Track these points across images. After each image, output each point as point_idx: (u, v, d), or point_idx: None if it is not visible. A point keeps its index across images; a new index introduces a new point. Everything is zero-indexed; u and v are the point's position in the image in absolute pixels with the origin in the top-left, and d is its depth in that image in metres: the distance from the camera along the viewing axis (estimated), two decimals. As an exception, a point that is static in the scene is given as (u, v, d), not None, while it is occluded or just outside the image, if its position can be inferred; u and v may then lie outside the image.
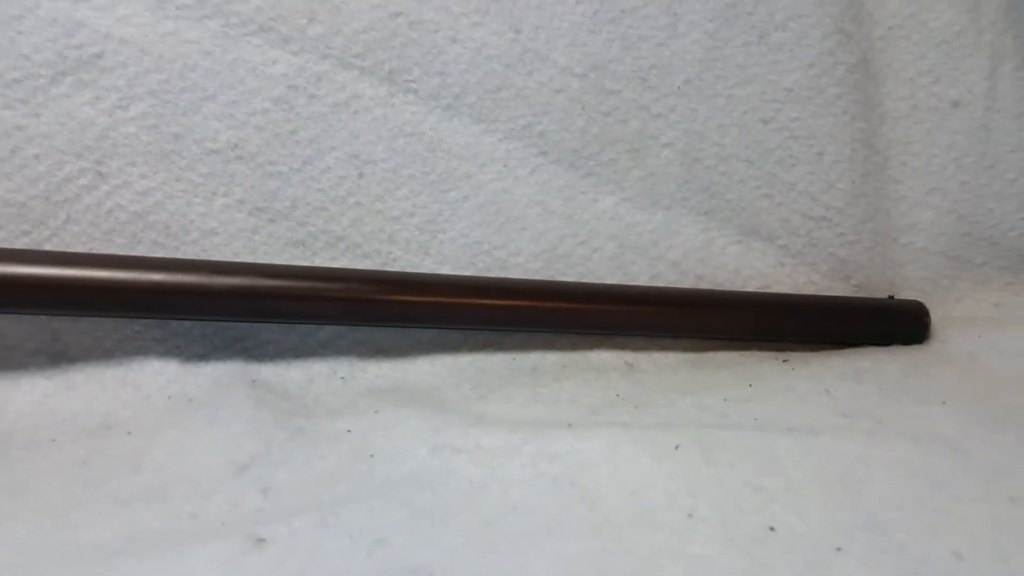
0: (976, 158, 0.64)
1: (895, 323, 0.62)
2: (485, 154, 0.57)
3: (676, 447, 0.41)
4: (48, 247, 0.50)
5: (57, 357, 0.49)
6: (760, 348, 0.60)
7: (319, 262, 0.54)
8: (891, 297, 0.64)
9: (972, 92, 0.64)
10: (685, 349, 0.59)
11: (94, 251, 0.50)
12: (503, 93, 0.56)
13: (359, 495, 0.40)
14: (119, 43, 0.49)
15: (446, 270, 0.56)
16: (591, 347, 0.58)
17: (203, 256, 0.52)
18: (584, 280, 0.59)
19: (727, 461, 0.40)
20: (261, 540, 0.36)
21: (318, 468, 0.44)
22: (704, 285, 0.61)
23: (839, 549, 0.32)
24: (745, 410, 0.47)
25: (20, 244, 0.49)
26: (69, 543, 0.37)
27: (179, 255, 0.52)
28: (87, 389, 0.50)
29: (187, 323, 0.52)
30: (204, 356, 0.51)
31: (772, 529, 0.34)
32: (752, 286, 0.62)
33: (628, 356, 0.58)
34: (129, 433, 0.48)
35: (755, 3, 0.60)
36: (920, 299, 0.63)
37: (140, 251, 0.51)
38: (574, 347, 0.58)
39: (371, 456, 0.45)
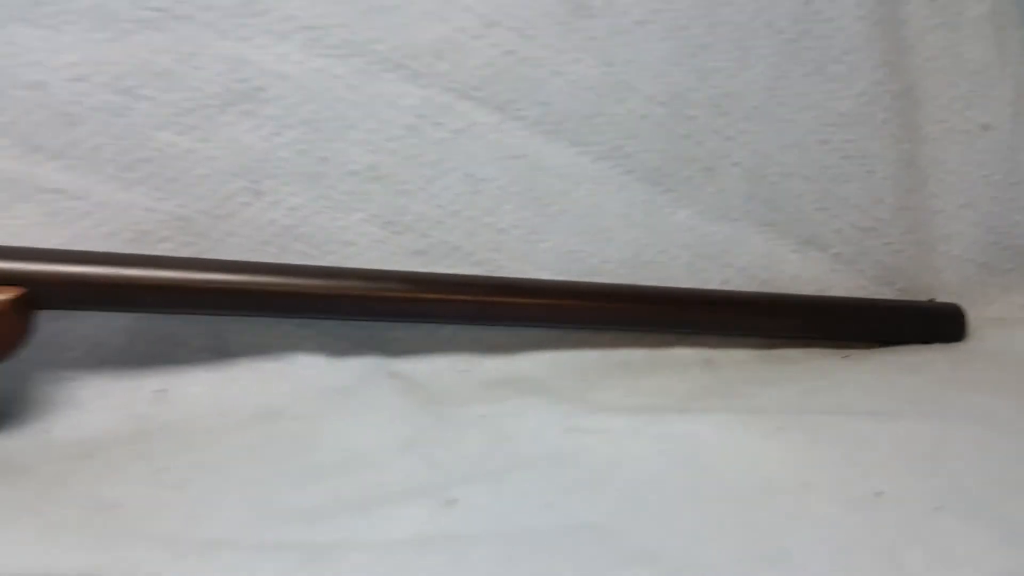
0: (1004, 175, 0.72)
1: (936, 323, 0.70)
2: (580, 173, 0.64)
3: (778, 428, 0.49)
4: (210, 256, 0.56)
5: (222, 353, 0.56)
6: (818, 346, 0.68)
7: (438, 269, 0.61)
8: (931, 300, 0.72)
9: (1000, 117, 0.72)
10: (754, 346, 0.66)
11: (251, 259, 0.57)
12: (597, 119, 0.64)
13: (511, 468, 0.48)
14: (277, 78, 0.56)
15: (545, 275, 0.64)
16: (672, 345, 0.65)
17: (342, 264, 0.59)
18: (663, 284, 0.66)
19: (826, 439, 0.48)
20: (453, 500, 0.43)
21: (467, 447, 0.51)
22: (767, 289, 0.68)
23: (938, 508, 0.40)
24: (825, 398, 0.55)
25: (186, 253, 0.56)
26: (284, 508, 0.44)
27: (322, 263, 0.59)
28: (249, 381, 0.56)
29: (329, 322, 0.59)
30: (345, 352, 0.58)
31: (878, 494, 0.42)
32: (809, 290, 0.69)
33: (705, 353, 0.66)
34: (295, 418, 0.55)
35: (814, 39, 0.67)
36: (957, 302, 0.71)
37: (289, 259, 0.58)
38: (658, 345, 0.65)
39: (509, 437, 0.52)
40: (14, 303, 0.48)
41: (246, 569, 0.35)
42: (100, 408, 0.55)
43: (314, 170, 0.58)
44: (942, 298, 0.71)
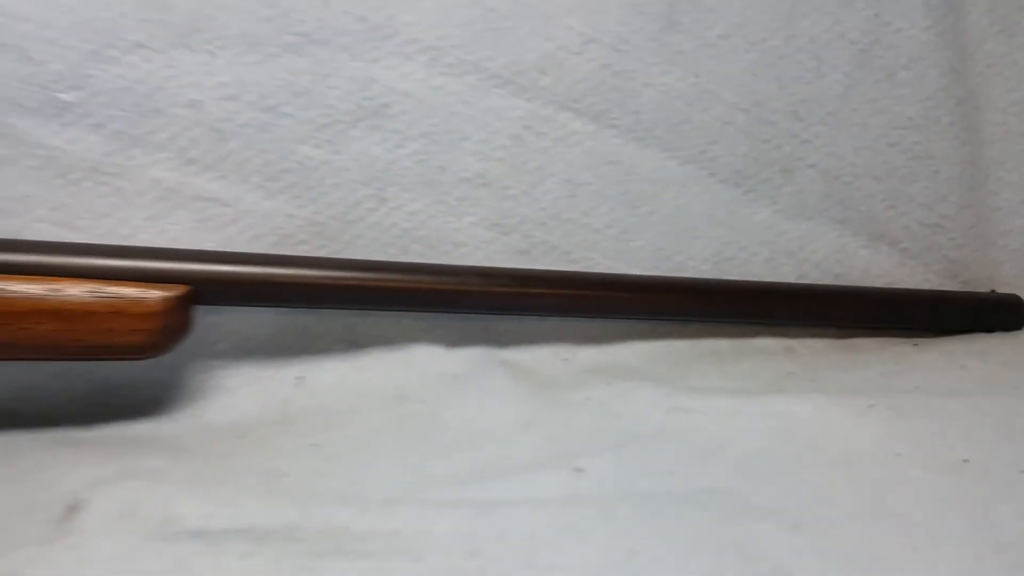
0: (1060, 174, 0.77)
1: (997, 313, 0.74)
2: (668, 176, 0.69)
3: (868, 406, 0.54)
4: (341, 256, 0.63)
5: (352, 343, 0.62)
6: (889, 335, 0.73)
7: (539, 266, 0.67)
8: (992, 291, 0.76)
9: (1055, 118, 0.77)
10: (830, 336, 0.71)
11: (376, 259, 0.63)
12: (683, 126, 0.69)
13: (625, 443, 0.53)
14: (401, 95, 0.62)
15: (636, 271, 0.69)
16: (754, 335, 0.71)
17: (455, 263, 0.65)
18: (745, 279, 0.72)
19: (911, 415, 0.53)
20: (580, 469, 0.48)
21: (580, 425, 0.57)
22: (841, 282, 0.73)
23: (1022, 471, 0.45)
24: (904, 381, 0.60)
25: (320, 254, 0.62)
26: (435, 475, 0.49)
27: (437, 262, 0.65)
28: (377, 368, 0.62)
29: (445, 315, 0.65)
30: (460, 342, 0.64)
31: (966, 461, 0.47)
32: (880, 283, 0.74)
33: (786, 342, 0.71)
34: (421, 402, 0.61)
35: (883, 48, 0.72)
36: (1016, 292, 0.76)
37: (409, 259, 0.64)
38: (741, 335, 0.70)
39: (618, 416, 0.57)
40: (180, 299, 0.55)
41: (426, 519, 0.41)
42: (247, 394, 0.61)
43: (431, 178, 0.64)
44: (1002, 289, 0.76)
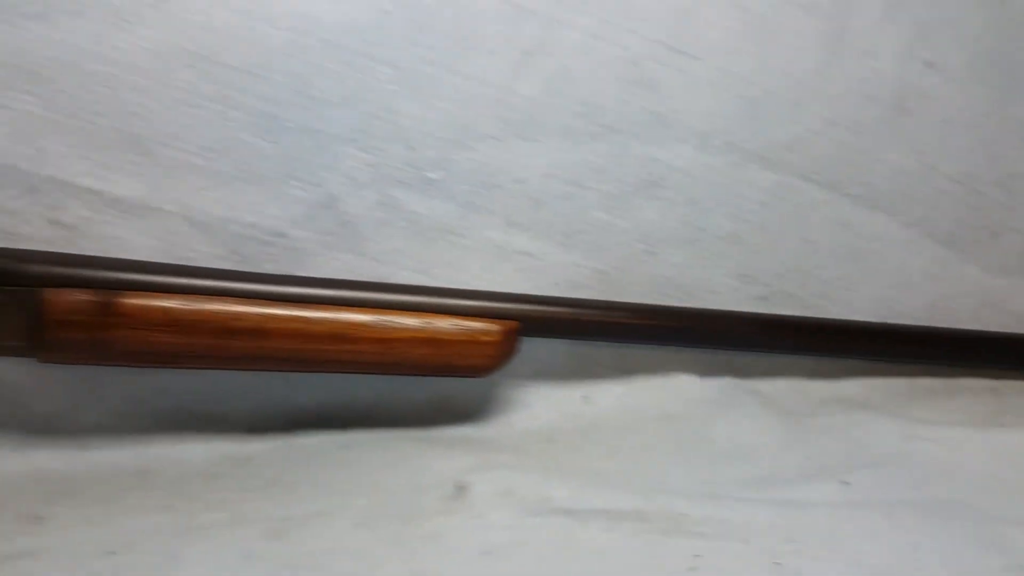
0: None
1: None
2: (891, 237, 0.81)
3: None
4: (617, 299, 0.77)
5: (624, 371, 0.77)
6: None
7: (777, 311, 0.80)
8: None
9: None
10: (1026, 378, 0.82)
11: (644, 302, 0.77)
12: (907, 195, 0.81)
13: (874, 463, 0.65)
14: (675, 170, 0.77)
15: (860, 318, 0.81)
16: (961, 375, 0.82)
17: (708, 307, 0.79)
18: (954, 327, 0.83)
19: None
20: (846, 482, 0.61)
21: (830, 447, 0.69)
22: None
23: None
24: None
25: (602, 298, 0.77)
26: (722, 479, 0.63)
27: (693, 306, 0.79)
28: (646, 392, 0.77)
29: (695, 350, 0.78)
30: (708, 373, 0.78)
31: None
32: (1076, 332, 0.84)
33: (990, 383, 0.81)
34: (686, 420, 0.74)
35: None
36: None
37: (670, 302, 0.78)
38: (949, 375, 0.81)
39: (860, 441, 0.70)
40: (513, 332, 0.70)
41: (747, 512, 0.55)
42: (545, 408, 0.76)
43: (692, 236, 0.78)
44: None
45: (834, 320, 0.80)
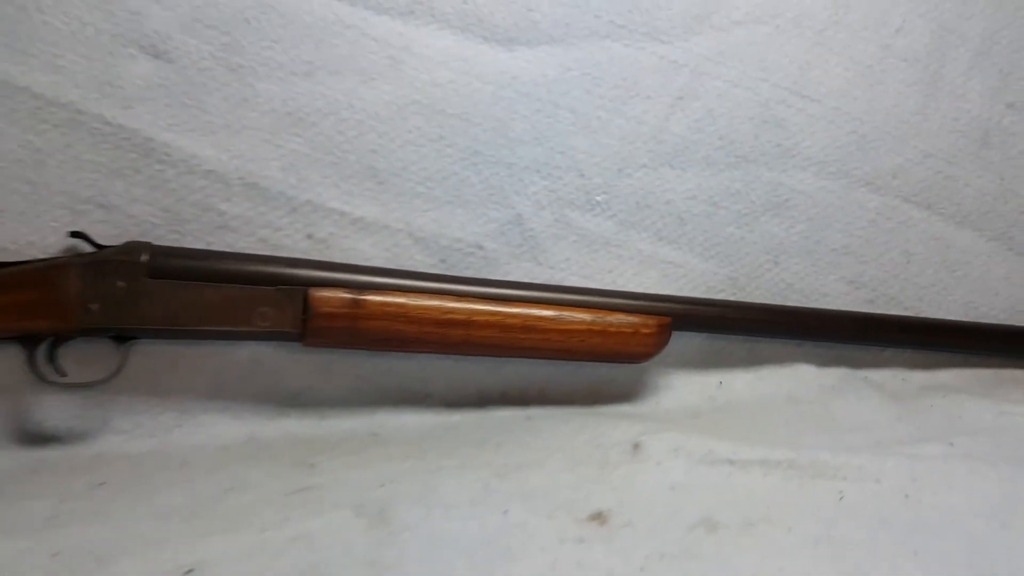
0: None
1: None
2: (978, 249, 0.95)
3: None
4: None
5: (754, 360, 0.92)
6: None
7: (880, 311, 0.94)
8: None
9: None
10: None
11: (769, 303, 0.92)
12: (991, 214, 0.95)
13: (974, 431, 0.79)
14: (797, 192, 0.92)
15: (951, 317, 0.95)
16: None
17: (822, 307, 0.93)
18: (1034, 326, 0.96)
19: None
20: (951, 443, 0.75)
21: (934, 420, 0.83)
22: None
23: None
24: None
25: (732, 299, 0.92)
26: (843, 445, 0.77)
27: (809, 306, 0.93)
28: (773, 379, 0.91)
29: (812, 344, 0.92)
30: (825, 363, 0.92)
31: None
32: None
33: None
34: (811, 403, 0.88)
35: None
36: None
37: (788, 303, 0.93)
38: (1030, 367, 0.95)
39: (959, 417, 0.83)
40: (667, 326, 0.85)
41: (876, 461, 0.69)
42: (686, 392, 0.91)
43: (810, 248, 0.93)
44: None
45: (929, 319, 0.94)
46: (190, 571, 0.52)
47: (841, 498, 0.63)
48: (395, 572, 0.54)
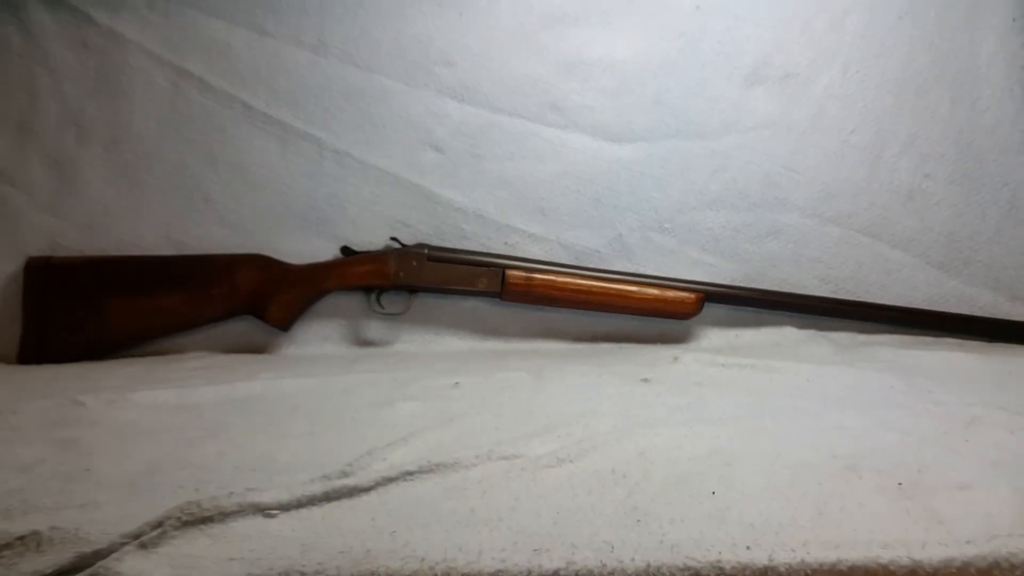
0: None
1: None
2: (906, 262, 1.52)
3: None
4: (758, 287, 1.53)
5: (756, 324, 1.52)
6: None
7: (838, 296, 1.53)
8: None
9: None
10: None
11: (768, 288, 1.53)
12: (916, 239, 1.52)
13: (870, 362, 1.37)
14: (788, 226, 1.52)
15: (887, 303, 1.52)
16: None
17: (800, 292, 1.53)
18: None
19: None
20: (884, 373, 1.34)
21: (855, 358, 1.41)
22: None
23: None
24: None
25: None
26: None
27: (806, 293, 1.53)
28: (768, 336, 1.52)
29: (796, 315, 1.52)
30: (801, 327, 1.52)
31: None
32: None
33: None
34: (789, 347, 1.49)
35: None
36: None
37: (781, 291, 1.53)
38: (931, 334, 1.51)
39: (876, 356, 1.41)
40: (701, 298, 1.48)
41: (808, 371, 1.29)
42: (714, 338, 1.52)
43: (795, 259, 1.53)
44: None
45: (871, 303, 1.51)
46: (456, 383, 1.20)
47: (786, 382, 1.23)
48: (544, 396, 1.19)
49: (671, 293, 1.42)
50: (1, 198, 1.38)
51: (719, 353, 1.34)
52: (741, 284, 1.47)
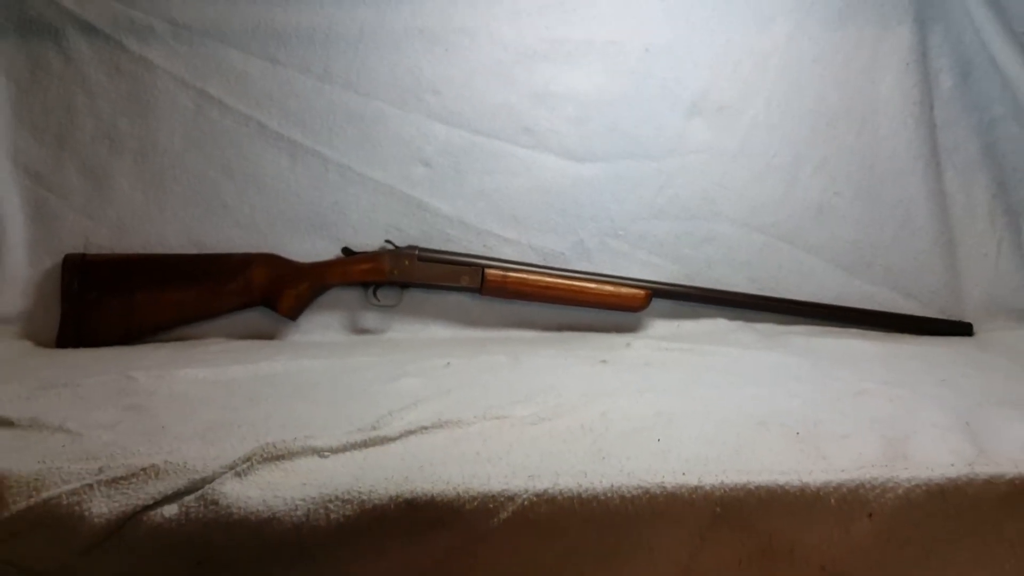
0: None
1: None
2: (818, 265, 1.77)
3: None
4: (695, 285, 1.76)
5: (690, 317, 1.76)
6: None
7: (763, 294, 1.77)
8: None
9: None
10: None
11: (704, 287, 1.76)
12: (827, 246, 1.77)
13: (784, 347, 1.61)
14: (721, 234, 1.76)
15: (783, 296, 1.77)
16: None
17: (731, 290, 1.77)
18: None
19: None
20: (800, 356, 1.58)
21: (773, 344, 1.64)
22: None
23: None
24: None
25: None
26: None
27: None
28: (702, 328, 1.75)
29: (726, 308, 1.76)
30: (731, 319, 1.76)
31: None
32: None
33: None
34: (720, 334, 1.72)
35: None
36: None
37: (715, 288, 1.77)
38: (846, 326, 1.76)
39: (790, 342, 1.65)
40: (649, 295, 1.69)
41: (737, 354, 1.53)
42: (660, 328, 1.75)
43: (728, 261, 1.77)
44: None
45: (790, 299, 1.74)
46: (447, 364, 1.40)
47: (716, 362, 1.46)
48: (522, 373, 1.40)
49: (624, 289, 1.63)
50: (41, 202, 1.54)
51: (664, 340, 1.56)
52: (682, 283, 1.60)
